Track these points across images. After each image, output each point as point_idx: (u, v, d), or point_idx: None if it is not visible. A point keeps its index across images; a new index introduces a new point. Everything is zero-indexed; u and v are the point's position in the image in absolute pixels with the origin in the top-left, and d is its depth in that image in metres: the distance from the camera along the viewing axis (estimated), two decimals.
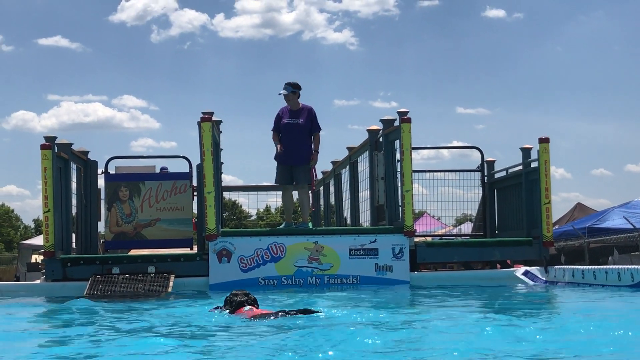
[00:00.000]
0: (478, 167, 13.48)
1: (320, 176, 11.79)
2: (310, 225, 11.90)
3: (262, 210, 48.24)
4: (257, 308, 6.64)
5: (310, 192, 12.24)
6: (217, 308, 6.96)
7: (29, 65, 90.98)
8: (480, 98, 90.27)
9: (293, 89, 11.31)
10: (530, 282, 10.78)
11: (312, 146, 11.33)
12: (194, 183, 12.27)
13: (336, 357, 4.53)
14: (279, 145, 11.27)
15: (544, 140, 11.29)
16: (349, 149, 14.27)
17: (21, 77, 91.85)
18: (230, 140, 53.23)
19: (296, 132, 11.23)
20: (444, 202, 13.89)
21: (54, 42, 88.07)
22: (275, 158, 11.41)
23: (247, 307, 6.55)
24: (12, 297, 10.20)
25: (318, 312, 6.34)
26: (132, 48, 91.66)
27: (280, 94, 11.32)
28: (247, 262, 10.67)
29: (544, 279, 10.89)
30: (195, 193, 12.24)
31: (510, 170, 12.79)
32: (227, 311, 6.69)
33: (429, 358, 4.59)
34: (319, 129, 11.37)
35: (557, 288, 10.19)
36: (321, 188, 17.26)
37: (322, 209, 17.47)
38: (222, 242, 10.68)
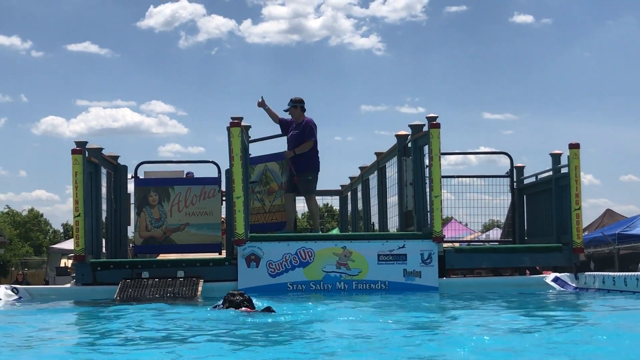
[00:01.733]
0: (507, 172, 13.41)
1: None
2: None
3: None
4: (251, 307, 7.67)
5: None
6: (216, 306, 7.84)
7: (58, 71, 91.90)
8: (508, 103, 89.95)
9: (293, 104, 12.21)
10: (560, 289, 10.71)
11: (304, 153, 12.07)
12: (223, 188, 12.30)
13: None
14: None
15: (574, 146, 11.22)
16: (377, 154, 14.24)
17: (50, 83, 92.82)
18: (258, 145, 53.23)
19: (295, 143, 12.12)
20: (472, 208, 13.84)
21: (83, 48, 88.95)
22: None
23: (242, 307, 7.59)
24: (43, 301, 10.28)
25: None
26: (160, 54, 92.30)
27: (285, 111, 12.32)
28: (275, 267, 10.68)
29: (574, 285, 10.81)
30: (224, 198, 12.27)
31: (539, 176, 12.71)
32: (225, 309, 7.65)
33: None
34: (308, 137, 12.06)
35: (588, 295, 10.10)
36: (349, 193, 17.25)
37: (349, 214, 17.46)
38: (251, 247, 10.69)
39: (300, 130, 12.09)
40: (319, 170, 12.27)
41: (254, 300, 7.98)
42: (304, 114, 12.20)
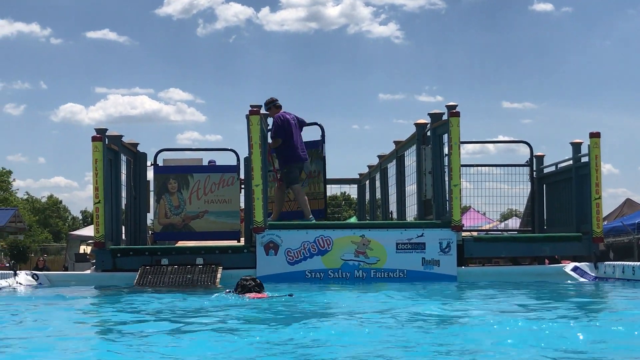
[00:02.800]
0: (527, 161, 13.36)
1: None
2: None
3: None
4: (262, 292, 8.11)
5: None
6: (229, 291, 8.33)
7: (77, 59, 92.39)
8: (527, 92, 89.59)
9: (266, 107, 12.05)
10: (580, 278, 10.66)
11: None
12: (242, 176, 12.32)
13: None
14: None
15: (594, 135, 11.17)
16: (396, 142, 14.20)
17: (69, 70, 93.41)
18: None
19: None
20: (490, 197, 13.78)
21: (102, 35, 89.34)
22: None
23: (252, 292, 8.07)
24: (63, 287, 10.35)
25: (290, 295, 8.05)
26: (179, 41, 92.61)
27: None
28: (294, 254, 10.70)
29: (593, 275, 10.76)
30: (242, 186, 12.29)
31: (559, 165, 12.65)
32: (237, 293, 8.12)
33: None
34: (272, 137, 11.94)
35: (607, 284, 10.06)
36: (367, 182, 17.23)
37: (367, 202, 17.45)
38: (270, 234, 10.71)
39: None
40: (293, 162, 12.07)
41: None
42: (279, 110, 12.15)
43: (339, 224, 11.37)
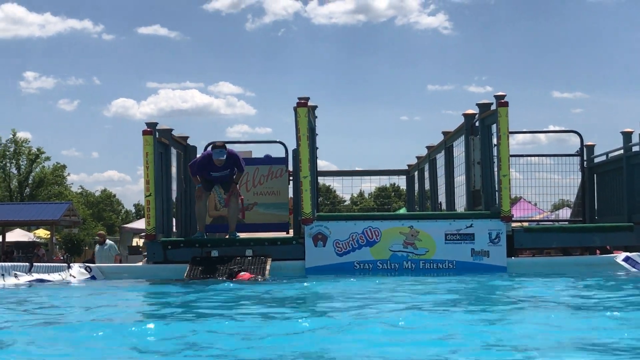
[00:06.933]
0: (577, 151, 13.23)
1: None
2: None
3: (355, 195, 48.35)
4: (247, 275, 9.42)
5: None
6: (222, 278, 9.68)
7: (129, 54, 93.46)
8: (578, 82, 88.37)
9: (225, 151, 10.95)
10: (631, 269, 10.51)
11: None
12: (290, 168, 12.38)
13: None
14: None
15: None
16: (444, 133, 14.16)
17: (121, 66, 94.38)
18: (324, 125, 53.43)
19: (226, 181, 11.15)
20: (540, 187, 13.71)
21: (152, 31, 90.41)
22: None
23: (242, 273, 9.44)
24: (116, 279, 10.53)
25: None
26: (228, 36, 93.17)
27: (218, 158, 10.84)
28: (342, 246, 10.73)
29: None
30: (291, 178, 12.36)
31: (610, 155, 12.51)
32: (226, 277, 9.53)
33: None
34: (242, 170, 11.21)
35: None
36: (416, 173, 17.20)
37: (416, 193, 17.42)
38: (318, 226, 10.75)
39: (231, 167, 11.04)
40: None
41: None
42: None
43: (388, 215, 11.37)
